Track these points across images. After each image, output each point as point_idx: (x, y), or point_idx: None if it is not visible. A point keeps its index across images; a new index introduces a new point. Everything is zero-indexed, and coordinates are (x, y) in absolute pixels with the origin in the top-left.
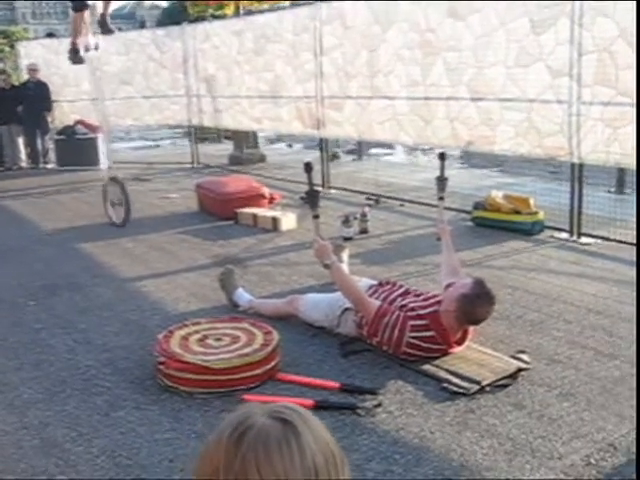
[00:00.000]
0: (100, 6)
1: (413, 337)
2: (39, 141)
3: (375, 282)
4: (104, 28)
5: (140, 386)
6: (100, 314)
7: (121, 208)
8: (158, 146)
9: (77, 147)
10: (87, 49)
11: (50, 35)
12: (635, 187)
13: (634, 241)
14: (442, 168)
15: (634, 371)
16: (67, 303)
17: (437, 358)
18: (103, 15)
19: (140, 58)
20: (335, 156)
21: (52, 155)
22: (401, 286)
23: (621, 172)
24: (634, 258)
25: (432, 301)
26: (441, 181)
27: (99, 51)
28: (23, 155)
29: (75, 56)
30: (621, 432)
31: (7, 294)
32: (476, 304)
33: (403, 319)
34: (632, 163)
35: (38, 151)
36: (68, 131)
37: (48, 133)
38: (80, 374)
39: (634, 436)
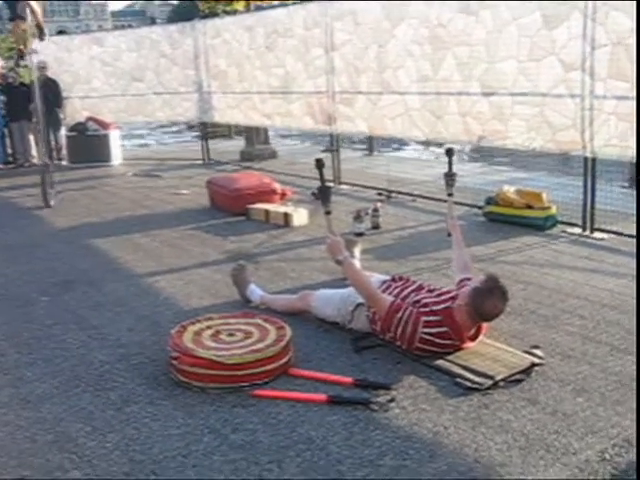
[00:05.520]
0: None
1: (426, 333)
2: (51, 138)
3: (387, 277)
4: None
5: (153, 381)
6: (113, 309)
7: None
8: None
9: (88, 143)
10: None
11: (61, 33)
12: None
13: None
14: (450, 164)
15: None
16: (80, 299)
17: (450, 353)
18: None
19: (151, 55)
20: None
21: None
22: (414, 282)
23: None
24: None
25: (445, 297)
26: (450, 177)
27: (38, 55)
28: (34, 151)
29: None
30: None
31: (20, 290)
32: (488, 298)
33: (416, 315)
34: None
35: (51, 148)
36: (80, 127)
37: (60, 130)
38: (94, 369)
39: None
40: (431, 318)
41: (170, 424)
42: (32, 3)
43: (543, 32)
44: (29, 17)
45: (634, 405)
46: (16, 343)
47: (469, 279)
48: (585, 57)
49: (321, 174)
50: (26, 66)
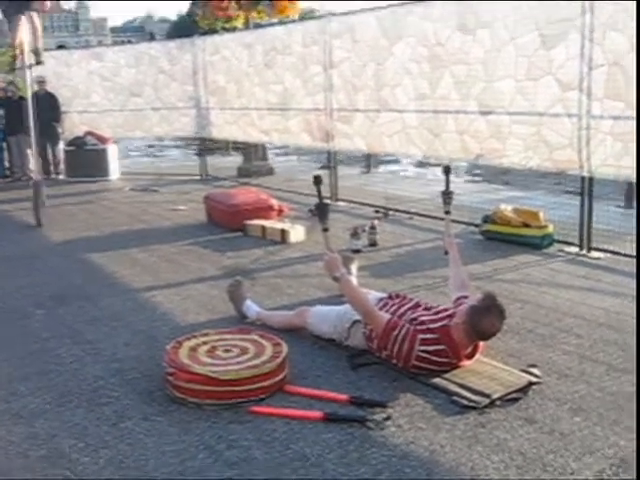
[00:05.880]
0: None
1: (423, 351)
2: (49, 152)
3: (384, 295)
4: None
5: (148, 397)
6: (109, 324)
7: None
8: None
9: (87, 158)
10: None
11: (61, 47)
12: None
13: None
14: (447, 182)
15: None
16: (76, 313)
17: (447, 372)
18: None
19: (150, 70)
20: None
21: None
22: (411, 299)
23: (630, 186)
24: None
25: (443, 315)
26: (447, 195)
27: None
28: (32, 165)
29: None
30: (634, 447)
31: (16, 303)
32: (485, 316)
33: (413, 332)
34: None
35: (49, 162)
36: (78, 142)
37: (58, 144)
38: (88, 384)
39: None
40: (428, 336)
41: (165, 440)
42: (34, 16)
43: (541, 52)
44: (27, 27)
45: (631, 424)
46: (10, 357)
47: (466, 297)
48: (582, 77)
49: (319, 191)
50: (20, 69)
